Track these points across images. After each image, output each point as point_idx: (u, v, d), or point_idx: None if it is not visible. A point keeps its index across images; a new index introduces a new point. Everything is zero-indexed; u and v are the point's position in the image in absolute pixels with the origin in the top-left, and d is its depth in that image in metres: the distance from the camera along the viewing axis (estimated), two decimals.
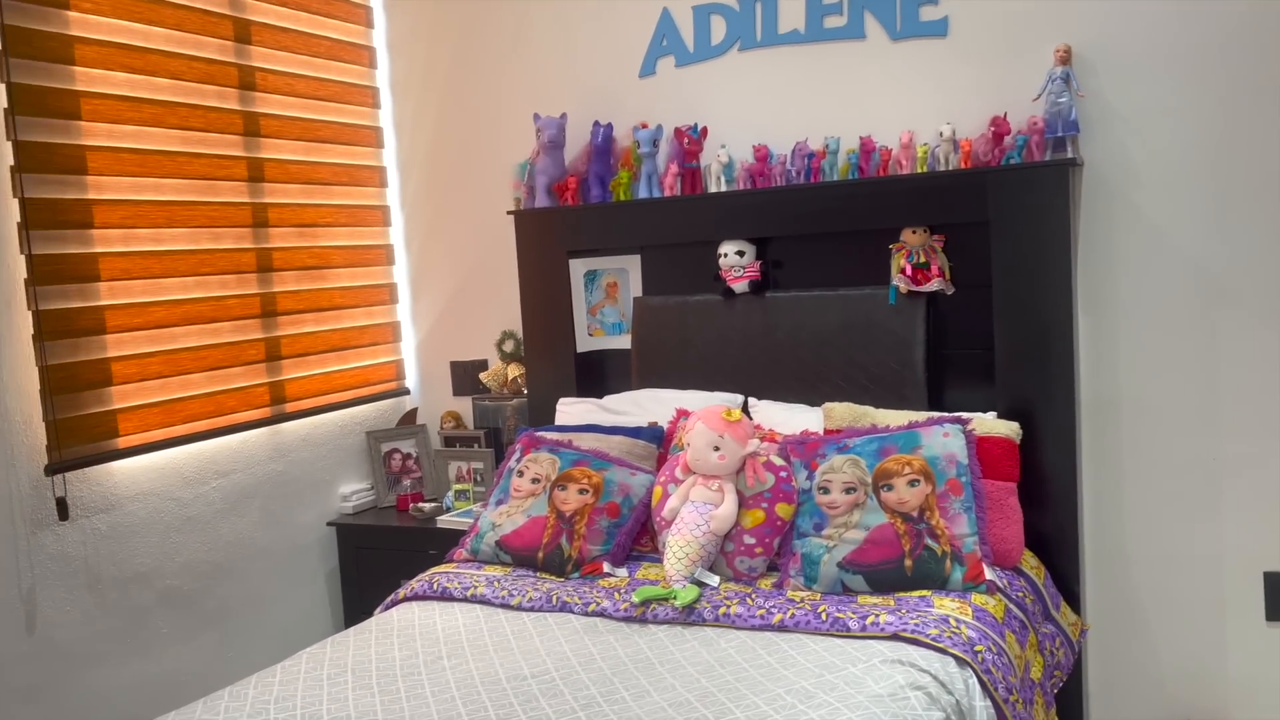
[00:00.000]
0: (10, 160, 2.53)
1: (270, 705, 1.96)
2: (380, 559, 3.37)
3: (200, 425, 3.02)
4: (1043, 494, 2.67)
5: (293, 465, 3.35)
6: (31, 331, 2.57)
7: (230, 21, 3.13)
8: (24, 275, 2.56)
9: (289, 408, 3.33)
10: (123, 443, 2.79)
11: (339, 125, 3.53)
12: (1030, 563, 2.58)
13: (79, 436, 2.67)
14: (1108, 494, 2.78)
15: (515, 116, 3.45)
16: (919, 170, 2.80)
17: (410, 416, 3.75)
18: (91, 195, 2.73)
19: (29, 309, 2.57)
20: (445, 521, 3.30)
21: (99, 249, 2.74)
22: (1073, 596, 2.66)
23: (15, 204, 2.54)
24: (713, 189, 3.06)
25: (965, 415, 2.56)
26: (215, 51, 3.08)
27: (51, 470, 2.60)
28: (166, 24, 2.92)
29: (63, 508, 2.62)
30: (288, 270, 3.32)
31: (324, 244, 3.47)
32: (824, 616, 2.18)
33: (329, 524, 3.45)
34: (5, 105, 2.52)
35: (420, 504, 3.45)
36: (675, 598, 2.32)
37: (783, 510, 2.49)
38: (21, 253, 2.56)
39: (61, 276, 2.64)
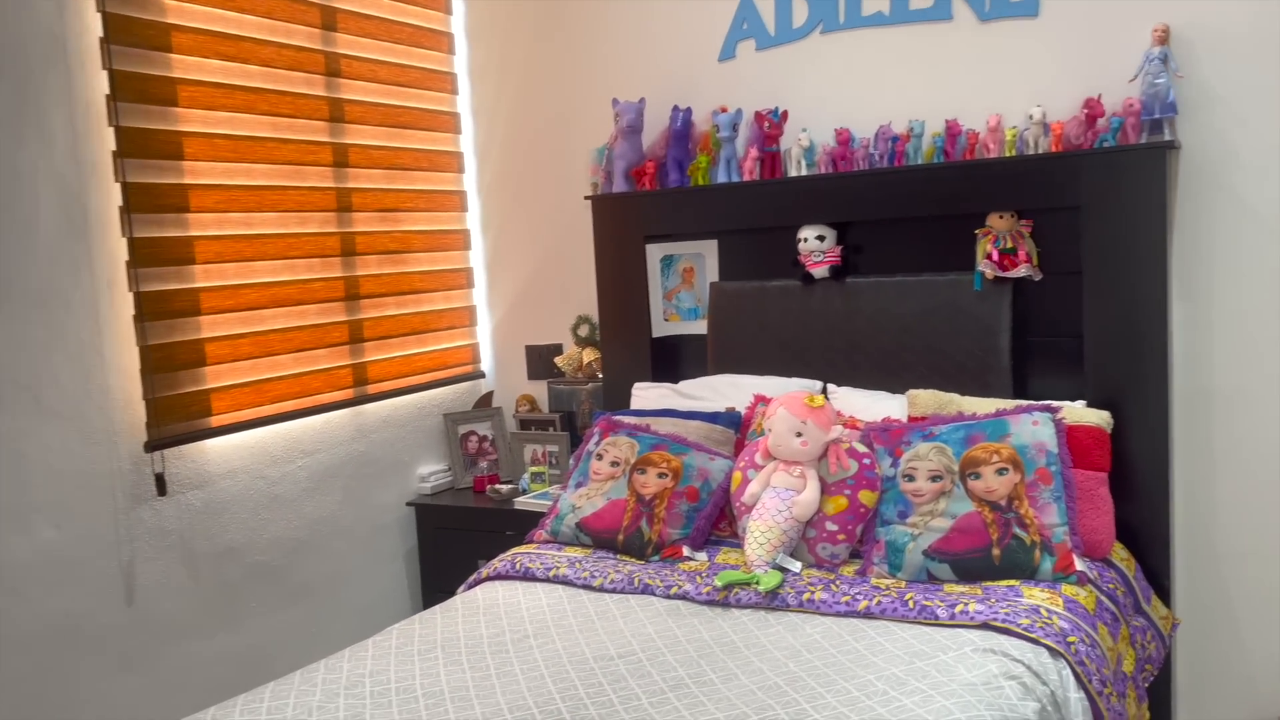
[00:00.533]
0: (112, 145, 2.61)
1: (365, 679, 2.00)
2: (457, 539, 3.42)
3: (287, 405, 3.09)
4: (1133, 485, 2.61)
5: (374, 446, 3.42)
6: (133, 312, 2.66)
7: (318, 9, 3.18)
8: (125, 258, 2.65)
9: (370, 389, 3.39)
10: (215, 421, 2.88)
11: (419, 111, 3.58)
12: (1120, 554, 2.53)
13: (175, 415, 2.76)
14: (1200, 486, 2.72)
15: (593, 102, 3.46)
16: (1007, 154, 2.75)
17: (486, 399, 3.79)
18: (188, 180, 2.80)
19: (130, 290, 2.65)
20: (522, 503, 3.34)
21: (194, 233, 2.82)
22: (1163, 590, 2.61)
23: (117, 188, 2.62)
24: (793, 173, 3.04)
25: (1055, 404, 2.51)
26: (303, 39, 3.13)
27: (150, 447, 2.69)
28: (258, 11, 2.98)
29: (161, 484, 2.71)
30: (370, 254, 3.38)
31: (404, 229, 3.52)
32: (911, 604, 2.16)
33: (408, 504, 3.52)
34: (107, 91, 2.60)
35: (497, 485, 3.49)
36: (758, 582, 2.32)
37: (866, 497, 2.47)
38: (123, 236, 2.64)
39: (160, 259, 2.72)
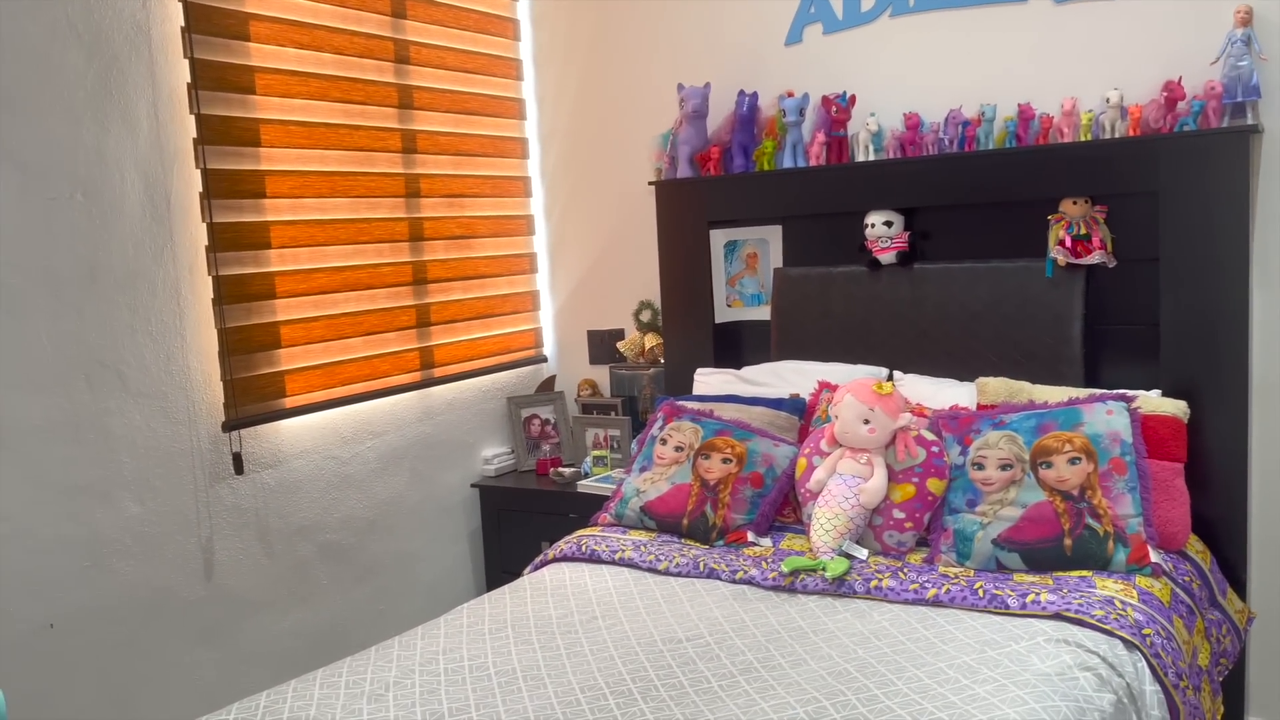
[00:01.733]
0: (193, 132, 2.68)
1: (439, 656, 2.05)
2: (521, 521, 3.47)
3: (357, 388, 3.15)
4: (1209, 476, 2.56)
5: (439, 428, 3.47)
6: (211, 296, 2.73)
7: None
8: (205, 242, 2.72)
9: (437, 372, 3.45)
10: (289, 403, 2.94)
11: (485, 97, 3.61)
12: (1195, 547, 2.49)
13: (251, 396, 2.83)
14: (1278, 478, 2.65)
15: (657, 87, 3.46)
16: (1082, 138, 2.70)
17: (548, 384, 3.83)
18: (264, 166, 2.86)
19: (209, 274, 2.72)
20: (585, 486, 3.37)
21: (270, 218, 2.88)
22: (1239, 583, 2.56)
23: (198, 174, 2.69)
24: (860, 158, 3.01)
25: (1129, 393, 2.47)
26: (374, 26, 3.18)
27: (228, 427, 2.76)
28: (331, 0, 3.03)
29: (238, 463, 2.79)
30: (437, 239, 3.42)
31: (470, 214, 3.56)
32: (981, 593, 2.15)
33: (472, 485, 3.57)
34: (189, 79, 2.66)
35: (560, 469, 3.53)
36: (824, 569, 2.32)
37: (934, 485, 2.46)
38: (203, 221, 2.71)
39: (238, 244, 2.79)
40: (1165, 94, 2.58)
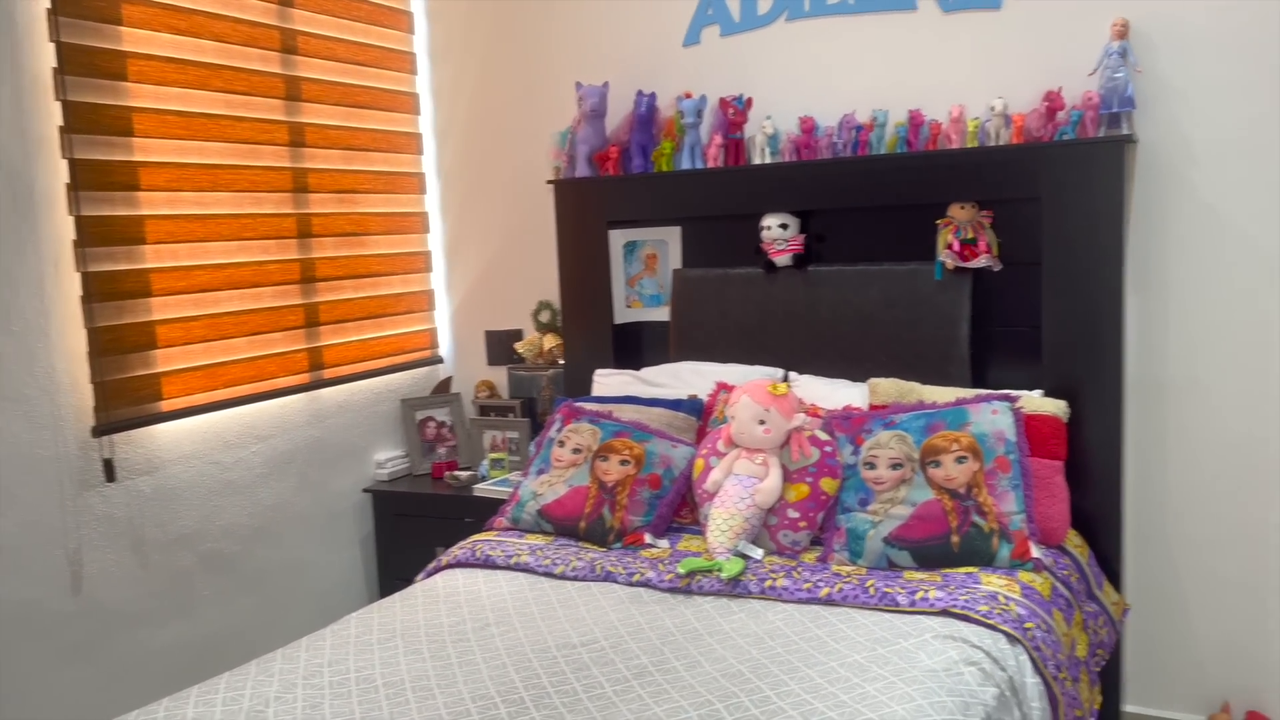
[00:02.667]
0: (59, 120, 2.53)
1: (324, 668, 1.97)
2: (415, 526, 3.38)
3: (241, 390, 3.03)
4: (1087, 473, 2.65)
5: (330, 431, 3.36)
6: (80, 293, 2.58)
7: None
8: (72, 237, 2.56)
9: (327, 374, 3.34)
10: (166, 406, 2.81)
11: (377, 91, 3.51)
12: (1074, 541, 2.58)
13: (124, 399, 2.69)
14: (1152, 474, 2.77)
15: (556, 85, 3.43)
16: (969, 145, 2.77)
17: (444, 385, 3.75)
18: (138, 157, 2.72)
19: (77, 270, 2.57)
20: (481, 490, 3.31)
21: (145, 211, 2.74)
22: (1114, 576, 2.66)
23: (64, 164, 2.54)
24: (757, 160, 3.03)
25: (1013, 393, 2.55)
26: (258, 14, 3.06)
27: (98, 432, 2.62)
28: None
29: (109, 469, 2.64)
30: (327, 236, 3.32)
31: (362, 210, 3.46)
32: (872, 591, 2.18)
33: (364, 490, 3.47)
34: (54, 64, 2.51)
35: (455, 472, 3.46)
36: (720, 569, 2.32)
37: (827, 485, 2.49)
38: (70, 214, 2.56)
39: (108, 239, 2.65)
40: (1046, 103, 2.66)
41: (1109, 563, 2.66)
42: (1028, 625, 2.05)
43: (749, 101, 3.06)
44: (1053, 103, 2.66)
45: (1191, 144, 2.63)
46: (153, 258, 2.76)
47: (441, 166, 3.75)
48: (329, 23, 3.31)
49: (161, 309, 2.79)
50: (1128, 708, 2.84)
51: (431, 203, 3.77)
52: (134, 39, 2.70)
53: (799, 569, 2.35)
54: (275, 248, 3.13)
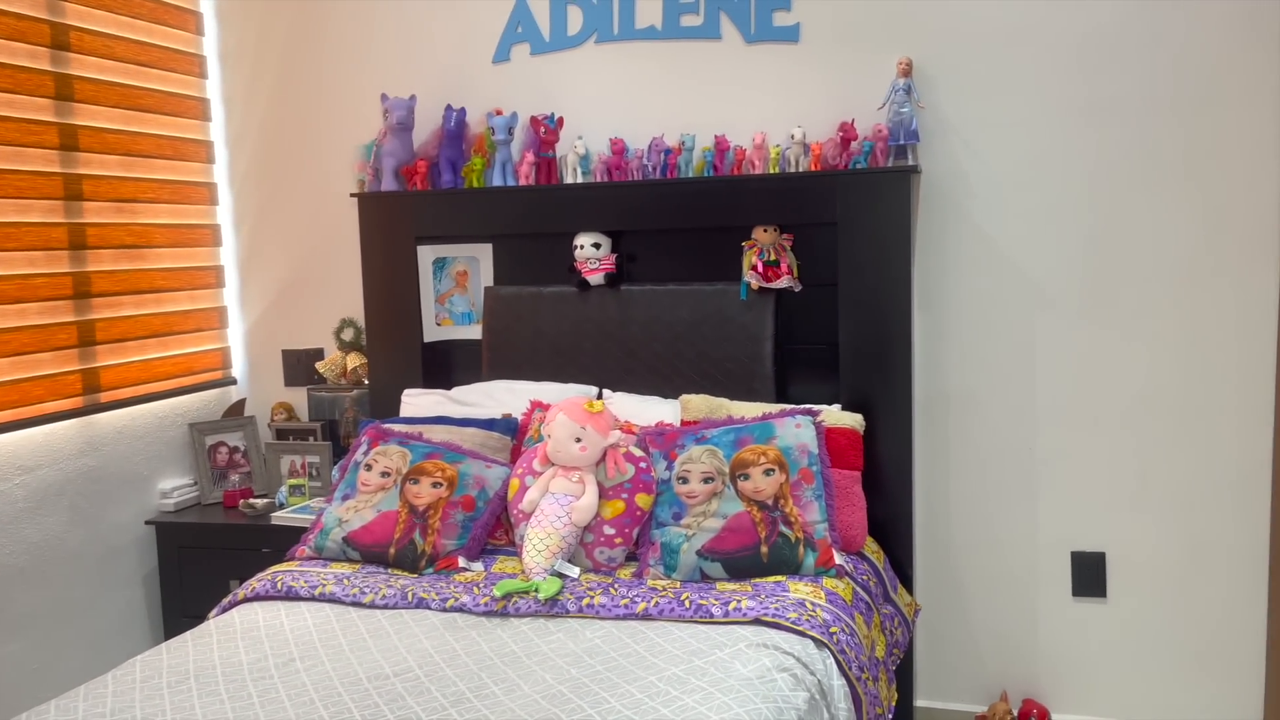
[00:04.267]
0: None
1: (107, 717, 1.80)
2: (206, 559, 3.16)
3: (2, 416, 2.73)
4: (881, 483, 2.81)
5: (107, 460, 3.09)
6: None
7: None
8: None
9: (103, 397, 3.07)
10: None
11: (161, 94, 3.29)
12: (871, 547, 2.72)
13: None
14: (938, 482, 2.97)
15: (360, 96, 3.32)
16: (771, 170, 2.89)
17: (238, 408, 3.53)
18: None
19: None
20: (280, 518, 3.13)
21: None
22: (907, 579, 2.83)
23: None
24: (569, 180, 3.05)
25: (815, 407, 2.67)
26: (24, 5, 2.79)
27: None
28: None
29: None
30: (104, 248, 3.06)
31: (144, 221, 3.22)
32: (687, 604, 2.22)
33: (147, 522, 3.21)
34: None
35: (251, 500, 3.26)
36: (537, 590, 2.30)
37: (642, 500, 2.51)
38: None
39: None
40: (841, 134, 2.82)
41: (902, 567, 2.83)
42: (833, 630, 2.14)
43: (560, 121, 3.07)
44: (847, 133, 2.82)
45: (968, 177, 2.85)
46: None
47: (234, 176, 3.54)
48: (107, 19, 3.07)
49: None
50: (919, 703, 3.02)
51: (224, 214, 3.55)
52: None
53: (615, 585, 2.35)
54: (43, 260, 2.86)
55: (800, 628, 2.10)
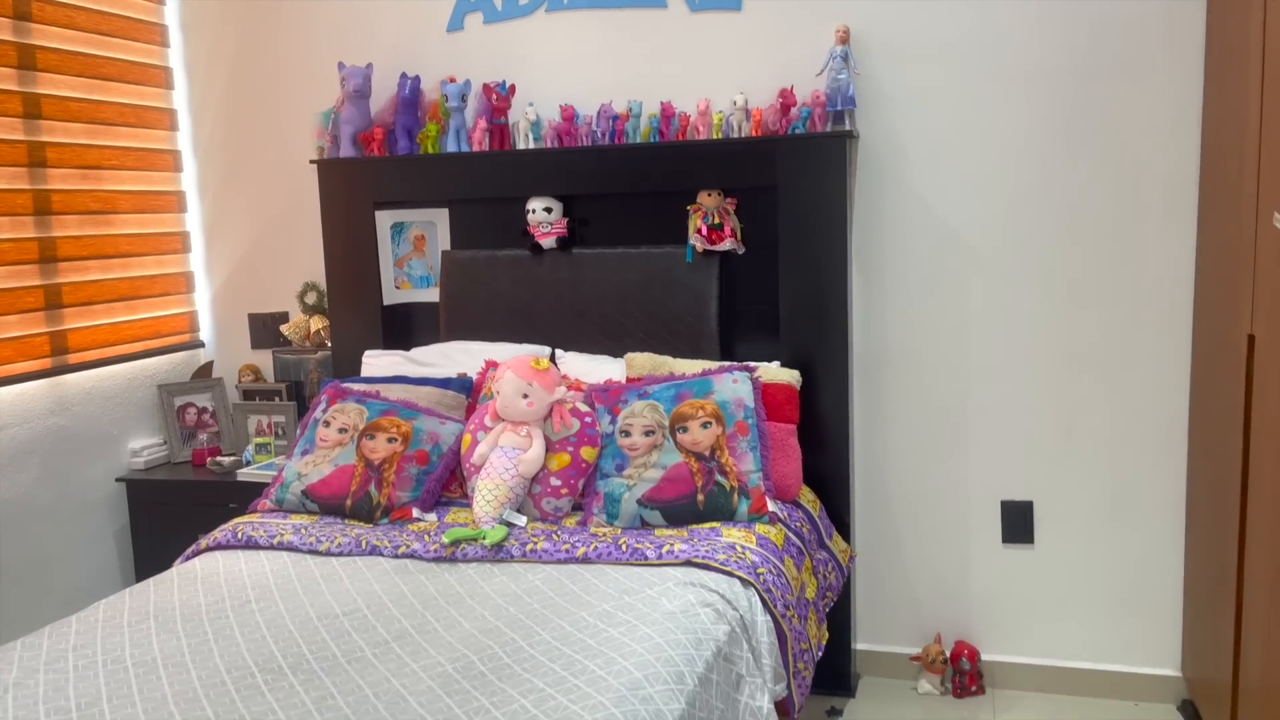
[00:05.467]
0: None
1: (69, 652, 1.92)
2: (175, 515, 3.28)
3: None
4: (820, 436, 2.94)
5: (76, 420, 3.20)
6: None
7: None
8: None
9: (71, 359, 3.17)
10: None
11: (124, 63, 3.35)
12: (808, 497, 2.86)
13: None
14: (876, 435, 3.10)
15: (318, 64, 3.39)
16: (715, 136, 2.98)
17: (205, 370, 3.64)
18: None
19: None
20: (246, 475, 3.25)
21: None
22: (844, 527, 2.97)
23: None
24: (521, 146, 3.14)
25: (752, 364, 2.79)
26: None
27: None
28: None
29: None
30: (69, 214, 3.14)
31: (109, 187, 3.30)
32: (624, 548, 2.35)
33: (118, 480, 3.32)
34: None
35: (219, 458, 3.37)
36: (484, 537, 2.42)
37: (587, 453, 2.64)
38: None
39: None
40: (780, 100, 2.92)
41: (840, 516, 2.97)
42: (760, 570, 2.28)
43: (512, 88, 3.15)
44: (786, 99, 2.91)
45: (903, 142, 2.96)
46: None
47: (198, 143, 3.62)
48: None
49: None
50: (858, 646, 3.18)
51: (189, 181, 3.63)
52: None
53: (559, 533, 2.48)
54: (9, 225, 2.95)
55: (728, 568, 2.23)
